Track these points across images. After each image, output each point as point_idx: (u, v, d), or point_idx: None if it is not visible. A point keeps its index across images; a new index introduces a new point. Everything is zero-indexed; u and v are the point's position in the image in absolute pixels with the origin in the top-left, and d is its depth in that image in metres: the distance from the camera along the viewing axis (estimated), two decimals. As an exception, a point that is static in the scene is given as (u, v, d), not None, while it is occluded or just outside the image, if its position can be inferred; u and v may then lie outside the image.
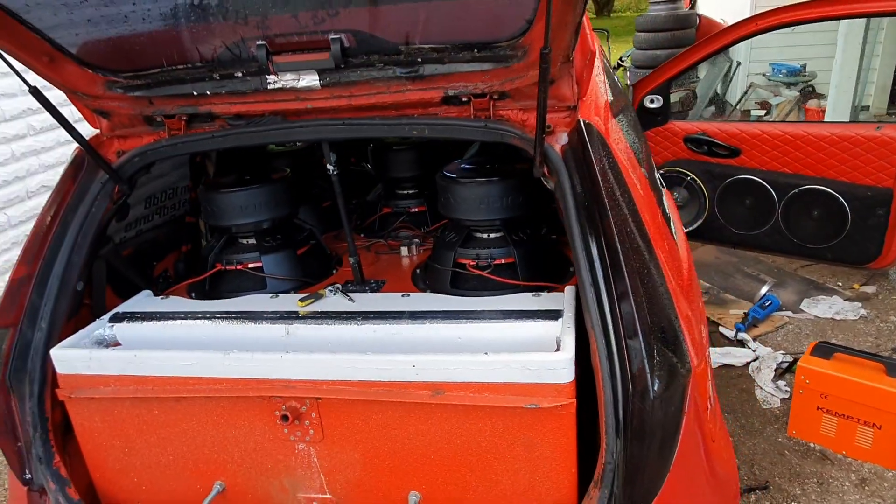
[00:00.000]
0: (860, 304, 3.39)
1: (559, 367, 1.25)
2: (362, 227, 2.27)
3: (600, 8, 22.21)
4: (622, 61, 8.31)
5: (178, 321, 1.57)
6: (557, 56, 1.31)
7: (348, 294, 1.61)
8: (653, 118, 3.42)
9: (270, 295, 1.68)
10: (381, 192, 2.32)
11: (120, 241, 1.89)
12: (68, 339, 1.50)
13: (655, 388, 1.22)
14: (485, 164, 1.78)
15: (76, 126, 1.51)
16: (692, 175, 3.35)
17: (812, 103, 6.18)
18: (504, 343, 1.40)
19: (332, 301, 1.61)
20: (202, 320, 1.56)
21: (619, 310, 1.25)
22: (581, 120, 1.38)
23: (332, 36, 1.39)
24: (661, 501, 1.26)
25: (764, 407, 2.77)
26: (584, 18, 1.44)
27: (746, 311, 3.37)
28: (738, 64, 6.55)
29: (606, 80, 1.81)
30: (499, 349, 1.33)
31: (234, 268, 1.79)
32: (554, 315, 1.42)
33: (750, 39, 6.72)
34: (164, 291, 1.84)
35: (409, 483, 1.42)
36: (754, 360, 3.04)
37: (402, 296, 1.62)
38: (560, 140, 1.42)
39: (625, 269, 1.25)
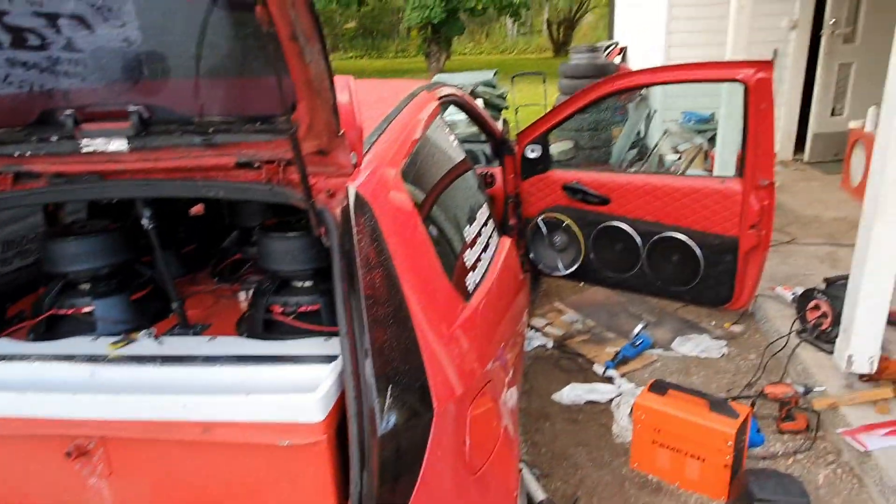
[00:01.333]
0: (725, 343, 3.61)
1: (310, 407, 1.41)
2: (215, 272, 2.41)
3: (558, 48, 23.00)
4: (560, 104, 8.65)
5: (-4, 363, 1.69)
6: (320, 131, 1.49)
7: (158, 338, 1.75)
8: (534, 166, 3.66)
9: (92, 337, 1.82)
10: (235, 239, 2.48)
11: None
12: None
13: (387, 426, 1.38)
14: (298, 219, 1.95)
15: None
16: (568, 221, 3.57)
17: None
18: (281, 384, 1.55)
19: (144, 344, 1.74)
20: (19, 361, 1.68)
21: (363, 357, 1.41)
22: (349, 187, 1.56)
23: (130, 108, 1.56)
24: (402, 529, 1.41)
25: (616, 441, 2.95)
26: (353, 99, 1.63)
27: (619, 349, 3.57)
28: (655, 111, 6.91)
29: (419, 148, 2.00)
30: (276, 390, 1.48)
31: (65, 312, 1.92)
32: (330, 359, 1.58)
33: (664, 88, 7.09)
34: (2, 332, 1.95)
35: (192, 515, 1.54)
36: (618, 396, 3.23)
37: (209, 339, 1.76)
38: (339, 203, 1.59)
39: (366, 322, 1.42)
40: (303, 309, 1.84)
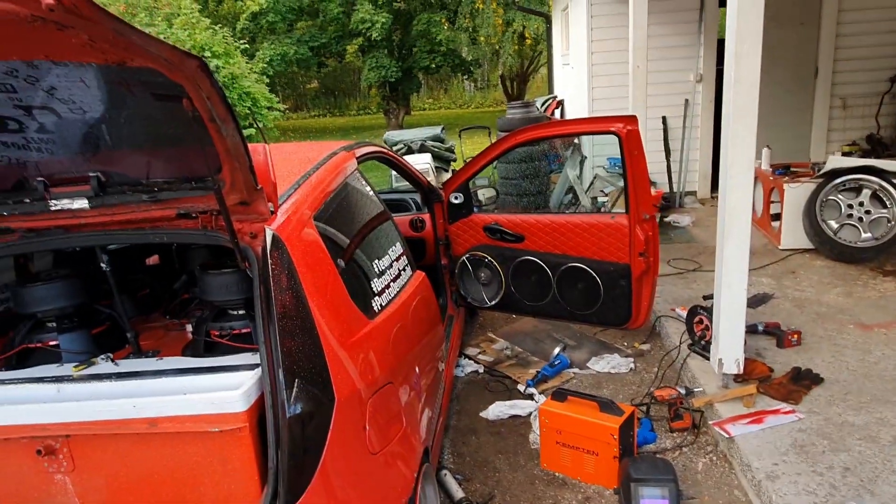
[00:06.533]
0: (633, 360, 4.07)
1: (233, 400, 1.79)
2: (167, 310, 2.80)
3: (511, 100, 24.08)
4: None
5: (-24, 387, 2.04)
6: (240, 187, 1.93)
7: (114, 360, 2.12)
8: (459, 211, 4.14)
9: (58, 364, 2.18)
10: (184, 282, 2.88)
11: None
12: None
13: (292, 412, 1.77)
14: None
15: None
16: (489, 257, 4.03)
17: (646, 190, 7.16)
18: (214, 386, 1.92)
19: (102, 367, 2.11)
20: (-4, 385, 2.04)
21: (276, 360, 1.81)
22: (267, 229, 1.99)
23: (90, 174, 1.97)
24: (310, 493, 1.78)
25: (532, 447, 3.33)
26: (269, 162, 2.07)
27: (540, 369, 3.99)
28: (586, 157, 7.55)
29: (333, 197, 2.44)
30: (209, 390, 1.86)
31: (35, 346, 2.28)
32: (255, 367, 1.98)
33: (592, 138, 7.71)
34: (-19, 367, 2.29)
35: (141, 499, 1.89)
36: (535, 410, 3.63)
37: (157, 360, 2.14)
38: (260, 243, 2.01)
39: (277, 332, 1.83)
40: (236, 332, 2.24)
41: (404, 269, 2.82)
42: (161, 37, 12.83)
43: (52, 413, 1.85)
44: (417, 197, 4.65)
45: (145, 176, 2.01)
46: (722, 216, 3.06)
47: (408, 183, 4.08)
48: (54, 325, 2.34)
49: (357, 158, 2.93)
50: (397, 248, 2.86)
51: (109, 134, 1.92)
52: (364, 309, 2.24)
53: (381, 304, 2.40)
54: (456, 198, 4.13)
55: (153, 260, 3.36)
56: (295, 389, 1.80)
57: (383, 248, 2.72)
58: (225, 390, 1.83)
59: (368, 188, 2.91)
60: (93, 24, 1.26)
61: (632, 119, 3.33)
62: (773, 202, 5.49)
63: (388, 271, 2.62)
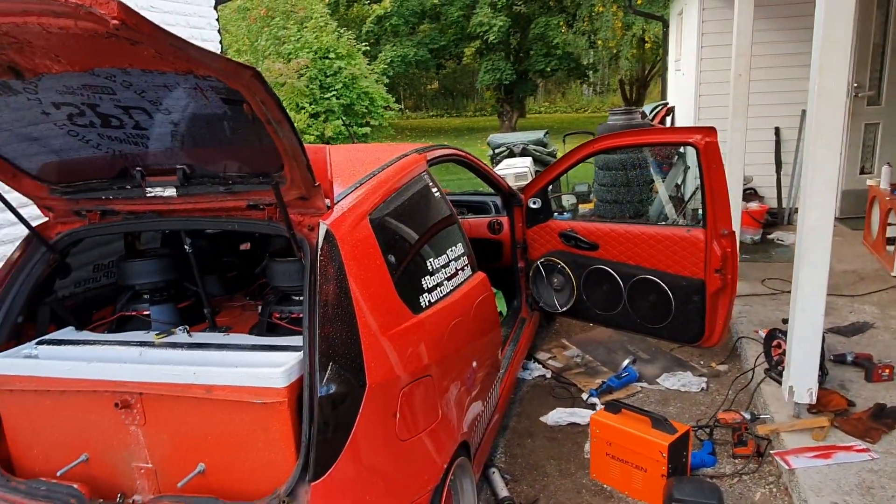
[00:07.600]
0: (706, 379, 3.92)
1: (275, 376, 1.99)
2: (248, 291, 3.08)
3: (628, 104, 23.41)
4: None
5: (79, 345, 2.38)
6: (299, 183, 2.12)
7: (189, 332, 2.40)
8: (536, 216, 4.19)
9: (146, 331, 2.49)
10: (264, 266, 3.15)
11: (69, 294, 2.76)
12: (4, 352, 2.33)
13: (324, 392, 1.94)
14: None
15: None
16: (563, 263, 4.04)
17: (752, 205, 6.80)
18: (264, 362, 2.13)
19: (179, 336, 2.40)
20: (93, 345, 2.37)
21: (314, 343, 1.99)
22: (321, 223, 2.17)
23: (178, 166, 2.25)
24: (337, 469, 1.94)
25: (585, 457, 3.33)
26: (327, 161, 2.25)
27: (605, 380, 3.95)
28: (689, 167, 7.26)
29: (394, 197, 2.58)
30: (259, 366, 2.08)
31: (130, 314, 2.62)
32: (301, 348, 2.17)
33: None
34: (85, 328, 2.66)
35: (198, 456, 2.13)
36: (595, 420, 3.60)
37: (224, 335, 2.39)
38: (316, 236, 2.20)
39: (317, 319, 2.00)
40: (294, 315, 2.45)
41: (462, 270, 2.92)
42: (292, 39, 13.63)
43: (131, 373, 2.14)
44: (499, 200, 4.72)
45: (222, 170, 2.26)
46: (800, 237, 2.91)
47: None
48: (148, 296, 2.67)
49: (428, 161, 3.07)
50: (458, 249, 2.96)
51: (191, 131, 2.18)
52: (410, 303, 2.37)
53: (429, 301, 2.52)
54: (534, 203, 4.17)
55: (245, 246, 3.69)
56: (329, 372, 1.96)
57: (442, 247, 2.83)
58: (270, 367, 2.03)
59: (436, 190, 3.03)
60: (154, 39, 1.48)
61: (710, 130, 3.23)
62: (890, 224, 5.05)
63: (442, 270, 2.73)
